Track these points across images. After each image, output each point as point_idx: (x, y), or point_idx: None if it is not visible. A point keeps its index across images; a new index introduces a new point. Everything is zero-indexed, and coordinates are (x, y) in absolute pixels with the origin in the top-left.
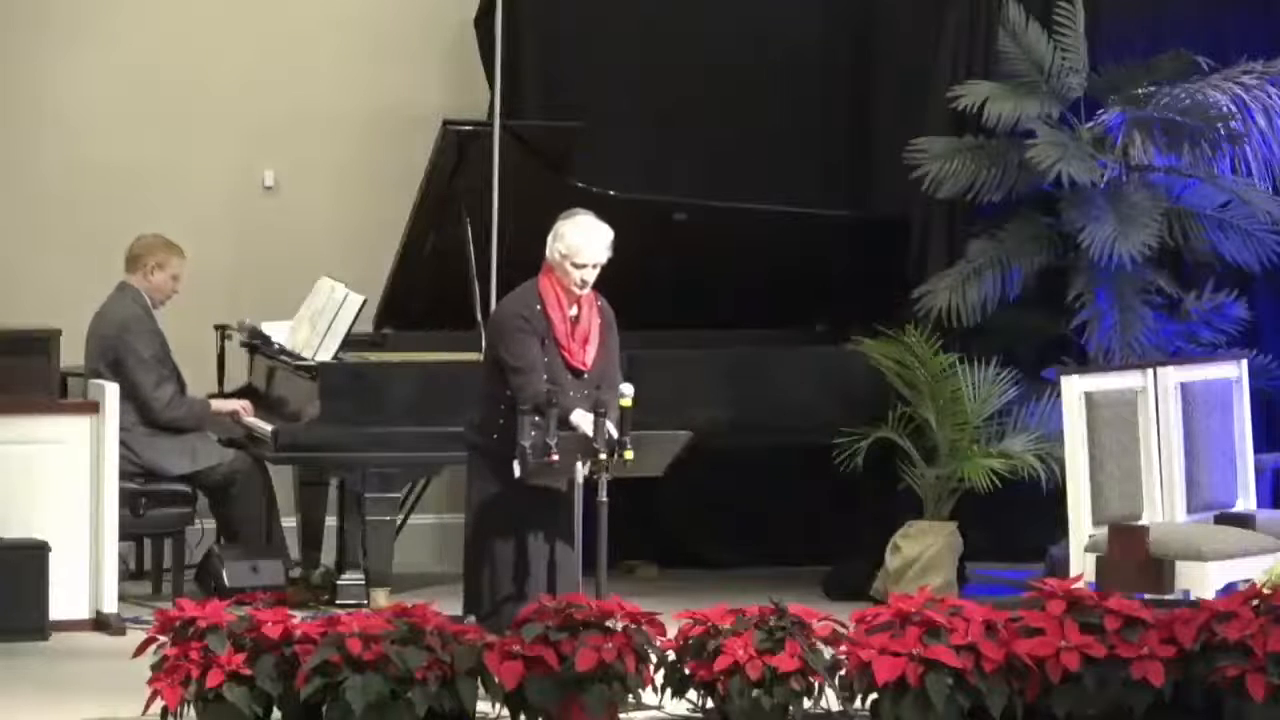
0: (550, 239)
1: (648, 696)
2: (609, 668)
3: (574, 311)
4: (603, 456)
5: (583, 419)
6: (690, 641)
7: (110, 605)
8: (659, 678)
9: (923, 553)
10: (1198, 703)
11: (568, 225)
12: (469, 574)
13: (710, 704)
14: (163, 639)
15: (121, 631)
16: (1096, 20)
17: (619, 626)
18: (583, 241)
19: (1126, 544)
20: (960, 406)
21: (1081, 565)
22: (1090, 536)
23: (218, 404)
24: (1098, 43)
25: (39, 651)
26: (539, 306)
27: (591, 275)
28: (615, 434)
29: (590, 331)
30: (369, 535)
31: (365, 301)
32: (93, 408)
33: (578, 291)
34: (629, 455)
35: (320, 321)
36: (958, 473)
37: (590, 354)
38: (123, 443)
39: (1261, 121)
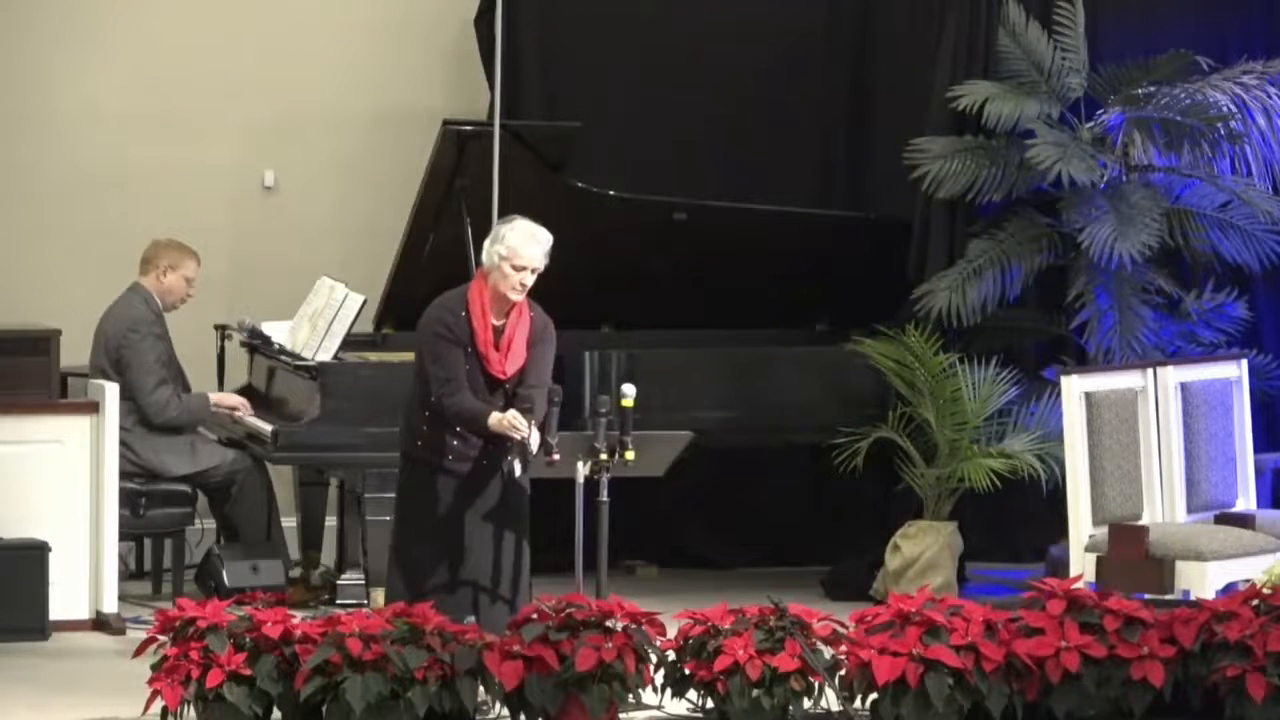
0: (488, 243)
1: (648, 696)
2: (609, 668)
3: (500, 321)
4: (603, 456)
5: (498, 419)
6: (690, 641)
7: (110, 605)
8: (659, 678)
9: (923, 553)
10: (1198, 703)
11: (507, 228)
12: (390, 581)
13: (710, 704)
14: (163, 639)
15: (121, 631)
16: (1096, 20)
17: (619, 626)
18: (521, 244)
19: (1126, 544)
20: (960, 406)
21: (1081, 565)
22: (1090, 536)
23: (217, 398)
24: (1098, 43)
25: (39, 651)
26: (464, 313)
27: (529, 280)
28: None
29: (515, 340)
30: (369, 535)
31: (365, 301)
32: (93, 408)
33: (514, 297)
34: (630, 455)
35: (320, 321)
36: (958, 473)
37: (512, 364)
38: (123, 443)
39: (1261, 121)
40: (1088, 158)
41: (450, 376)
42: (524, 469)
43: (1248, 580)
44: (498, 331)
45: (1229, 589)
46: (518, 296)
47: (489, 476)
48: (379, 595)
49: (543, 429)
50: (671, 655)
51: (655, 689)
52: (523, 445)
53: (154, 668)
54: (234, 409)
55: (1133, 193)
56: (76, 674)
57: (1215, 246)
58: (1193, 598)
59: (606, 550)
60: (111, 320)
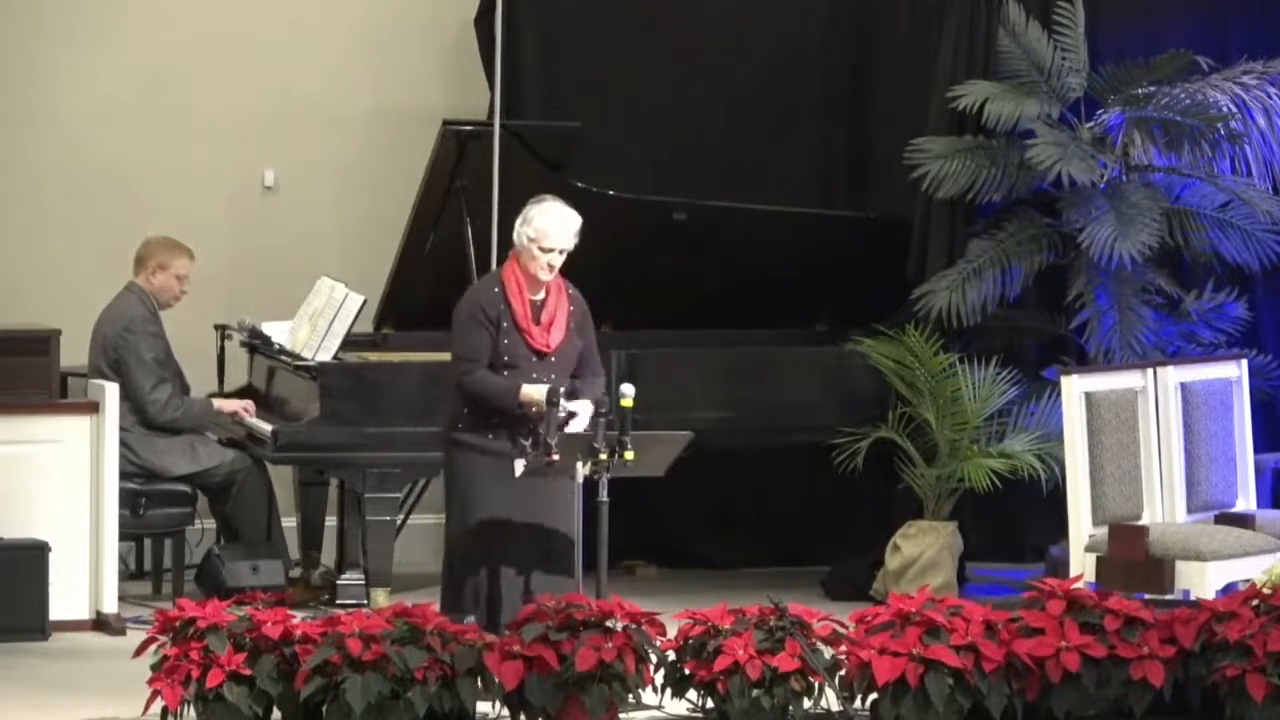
0: (518, 224)
1: (648, 696)
2: (609, 668)
3: (539, 296)
4: (603, 456)
5: (534, 390)
6: (690, 641)
7: (110, 605)
8: (659, 678)
9: (923, 553)
10: (1198, 703)
11: (536, 210)
12: (454, 572)
13: (710, 704)
14: (163, 639)
15: (121, 631)
16: (1096, 20)
17: (619, 626)
18: (550, 226)
19: (1126, 544)
20: (960, 406)
21: (1081, 565)
22: (1090, 536)
23: (220, 403)
24: (1098, 43)
25: (39, 651)
26: (498, 289)
27: (558, 260)
28: (568, 417)
29: (556, 315)
30: (369, 535)
31: (365, 301)
32: (93, 408)
33: (544, 277)
34: (630, 455)
35: (320, 321)
36: (958, 473)
37: (555, 337)
38: (123, 443)
39: (1261, 121)
40: (1088, 158)
41: (472, 359)
42: (524, 470)
43: (1248, 580)
44: (536, 307)
45: (1229, 589)
46: (548, 276)
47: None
48: (379, 595)
49: (544, 430)
50: (671, 655)
51: (655, 689)
52: (523, 446)
53: (154, 668)
54: (236, 414)
55: (1133, 193)
56: (76, 674)
57: (1215, 246)
58: (1193, 598)
59: (606, 550)
60: (108, 321)
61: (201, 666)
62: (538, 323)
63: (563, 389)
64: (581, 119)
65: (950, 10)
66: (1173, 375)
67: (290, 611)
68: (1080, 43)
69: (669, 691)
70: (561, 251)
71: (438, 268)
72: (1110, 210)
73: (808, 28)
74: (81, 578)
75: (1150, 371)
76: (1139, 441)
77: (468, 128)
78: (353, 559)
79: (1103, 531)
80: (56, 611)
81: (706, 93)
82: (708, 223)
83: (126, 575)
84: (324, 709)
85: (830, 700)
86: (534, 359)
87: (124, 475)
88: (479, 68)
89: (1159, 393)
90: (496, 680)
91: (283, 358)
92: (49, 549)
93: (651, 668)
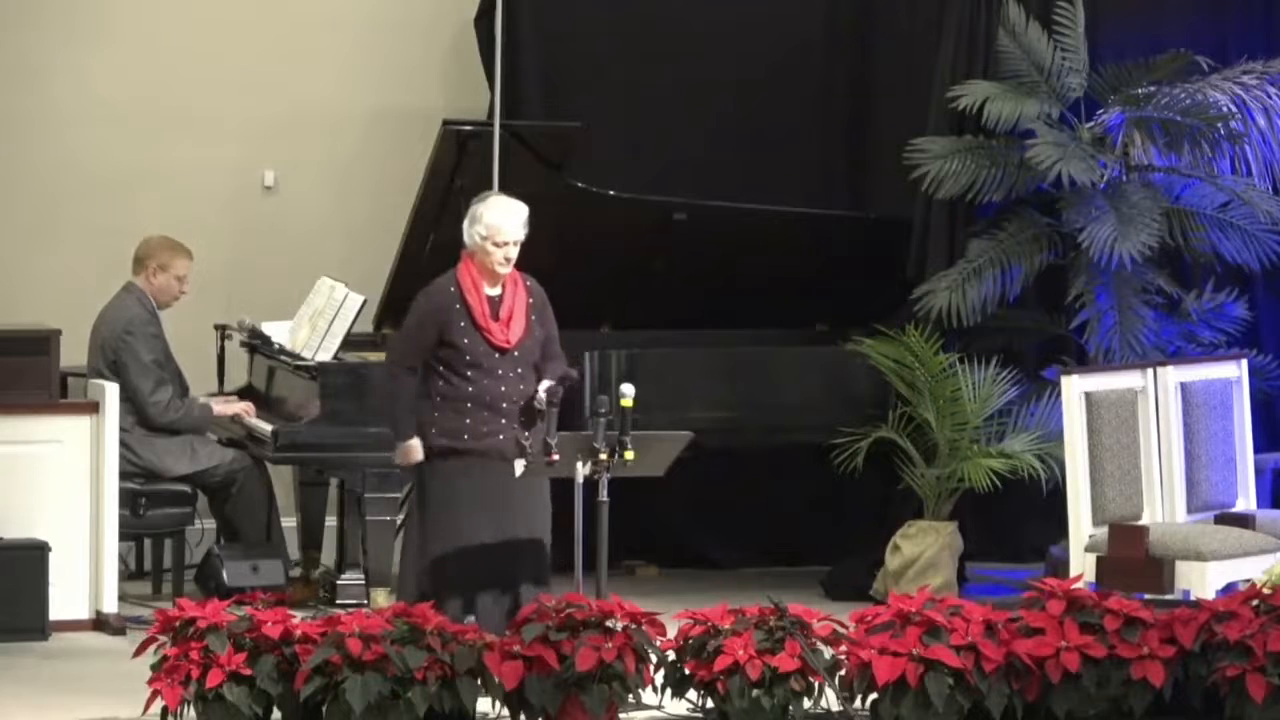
0: (466, 224)
1: (648, 696)
2: (609, 668)
3: (496, 291)
4: (603, 456)
5: (412, 450)
6: (690, 641)
7: (110, 605)
8: (659, 678)
9: (923, 553)
10: (1198, 703)
11: (483, 207)
12: (411, 577)
13: (710, 704)
14: (163, 639)
15: (121, 631)
16: (1096, 20)
17: (619, 626)
18: (500, 220)
19: (1126, 544)
20: (960, 406)
21: (1081, 565)
22: (1090, 536)
23: (220, 407)
24: (1098, 43)
25: (39, 651)
26: (453, 289)
27: (513, 253)
28: (544, 395)
29: (515, 310)
30: (369, 535)
31: (365, 301)
32: (93, 408)
33: (502, 271)
34: (630, 455)
35: (320, 321)
36: (958, 473)
37: (515, 332)
38: (122, 443)
39: (1261, 121)
40: (1088, 158)
41: (404, 362)
42: (524, 470)
43: (1248, 580)
44: (494, 303)
45: (1229, 589)
46: (505, 270)
47: (509, 454)
48: (379, 595)
49: (544, 431)
50: (671, 655)
51: (655, 689)
52: (523, 446)
53: (154, 668)
54: (236, 416)
55: (1133, 193)
56: (76, 674)
57: (1215, 246)
58: (1193, 598)
59: (606, 550)
60: (106, 322)
61: (201, 666)
62: (496, 319)
63: (544, 384)
64: (581, 119)
65: (950, 10)
66: (1173, 375)
67: (290, 611)
68: (1080, 43)
69: (669, 691)
70: (515, 243)
71: (438, 268)
72: (1110, 210)
73: (808, 27)
74: (81, 578)
75: (1150, 371)
76: (1139, 441)
77: (468, 128)
78: (353, 559)
79: (1103, 531)
80: (56, 611)
81: (707, 93)
82: (708, 223)
83: (126, 575)
84: (324, 709)
85: (830, 700)
86: (496, 355)
87: (124, 475)
88: (479, 68)
89: (1159, 393)
90: (496, 680)
91: (283, 358)
92: (49, 549)
93: (651, 668)
